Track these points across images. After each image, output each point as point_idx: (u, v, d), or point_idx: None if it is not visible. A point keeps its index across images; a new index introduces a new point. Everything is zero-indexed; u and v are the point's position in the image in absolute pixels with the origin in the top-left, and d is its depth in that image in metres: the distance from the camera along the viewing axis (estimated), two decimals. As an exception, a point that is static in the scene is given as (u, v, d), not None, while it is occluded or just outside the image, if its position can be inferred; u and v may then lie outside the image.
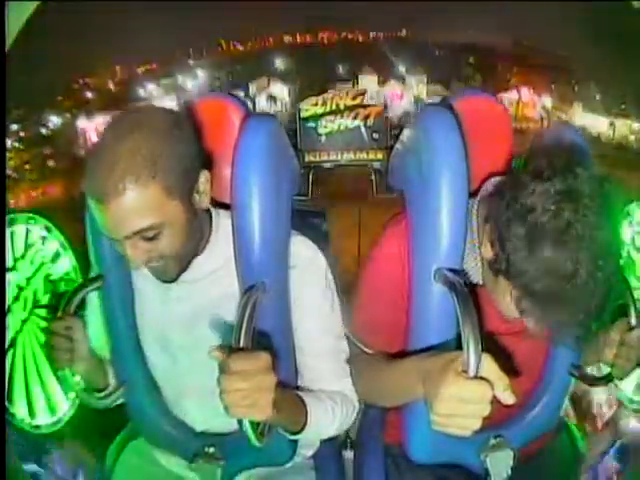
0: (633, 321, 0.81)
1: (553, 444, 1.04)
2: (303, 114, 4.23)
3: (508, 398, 0.60)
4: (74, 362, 0.84)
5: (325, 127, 4.21)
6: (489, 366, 0.61)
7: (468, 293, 0.70)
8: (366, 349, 0.96)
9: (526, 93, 14.76)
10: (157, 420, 0.97)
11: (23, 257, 1.23)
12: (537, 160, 0.73)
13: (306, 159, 4.17)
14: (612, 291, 0.70)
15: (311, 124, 4.22)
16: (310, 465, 1.04)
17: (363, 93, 4.37)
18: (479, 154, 0.84)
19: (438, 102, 0.91)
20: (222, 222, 0.88)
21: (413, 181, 0.87)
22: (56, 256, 1.29)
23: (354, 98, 4.26)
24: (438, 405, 0.62)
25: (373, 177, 4.50)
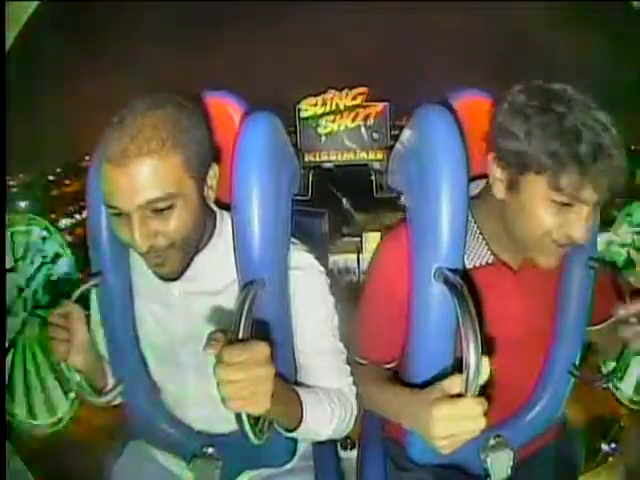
0: None
1: (553, 444, 1.03)
2: (303, 114, 4.22)
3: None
4: (71, 354, 0.83)
5: (325, 127, 4.22)
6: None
7: (468, 294, 0.71)
8: (361, 360, 0.96)
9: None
10: (156, 420, 0.96)
11: (23, 258, 1.23)
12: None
13: (306, 159, 4.16)
14: None
15: (311, 124, 4.22)
16: (310, 466, 1.04)
17: (363, 93, 4.37)
18: (479, 154, 0.84)
19: (438, 102, 0.91)
20: (226, 225, 0.88)
21: (413, 181, 0.86)
22: (56, 256, 1.29)
23: (354, 98, 4.26)
24: (434, 430, 0.67)
25: (373, 177, 4.49)
